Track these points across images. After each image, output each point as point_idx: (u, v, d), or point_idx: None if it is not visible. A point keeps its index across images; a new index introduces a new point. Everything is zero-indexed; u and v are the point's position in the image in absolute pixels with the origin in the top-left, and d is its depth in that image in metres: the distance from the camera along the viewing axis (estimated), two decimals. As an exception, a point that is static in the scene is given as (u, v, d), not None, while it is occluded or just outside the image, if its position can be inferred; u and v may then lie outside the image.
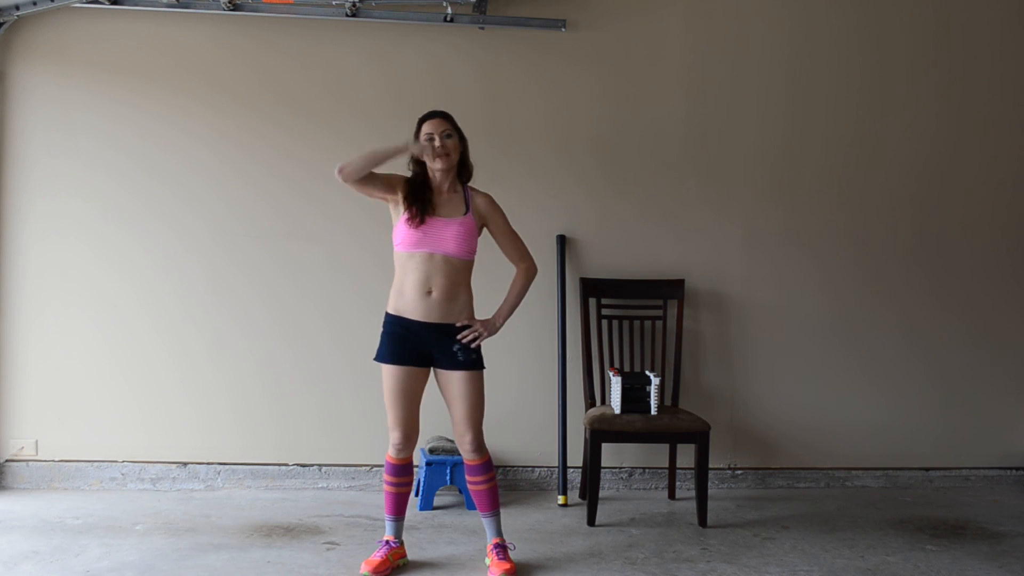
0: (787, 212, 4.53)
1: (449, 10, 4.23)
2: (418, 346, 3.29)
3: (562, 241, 4.39)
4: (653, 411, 4.01)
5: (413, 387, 3.31)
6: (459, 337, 3.29)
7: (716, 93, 4.50)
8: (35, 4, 4.11)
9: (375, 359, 3.33)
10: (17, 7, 4.12)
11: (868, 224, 4.56)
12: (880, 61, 4.56)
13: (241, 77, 4.36)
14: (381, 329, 3.35)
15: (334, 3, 4.20)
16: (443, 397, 3.36)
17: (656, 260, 4.47)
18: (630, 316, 4.39)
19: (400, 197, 3.31)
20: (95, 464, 4.34)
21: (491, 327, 3.35)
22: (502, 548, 3.36)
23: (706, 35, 4.50)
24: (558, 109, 4.44)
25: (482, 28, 4.37)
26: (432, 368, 3.34)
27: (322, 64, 4.38)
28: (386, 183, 3.31)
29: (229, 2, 4.16)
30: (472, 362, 3.30)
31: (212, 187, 4.36)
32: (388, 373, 3.30)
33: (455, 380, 3.29)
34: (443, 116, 3.35)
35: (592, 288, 4.38)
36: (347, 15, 4.25)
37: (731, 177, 4.51)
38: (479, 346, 3.33)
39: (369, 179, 3.26)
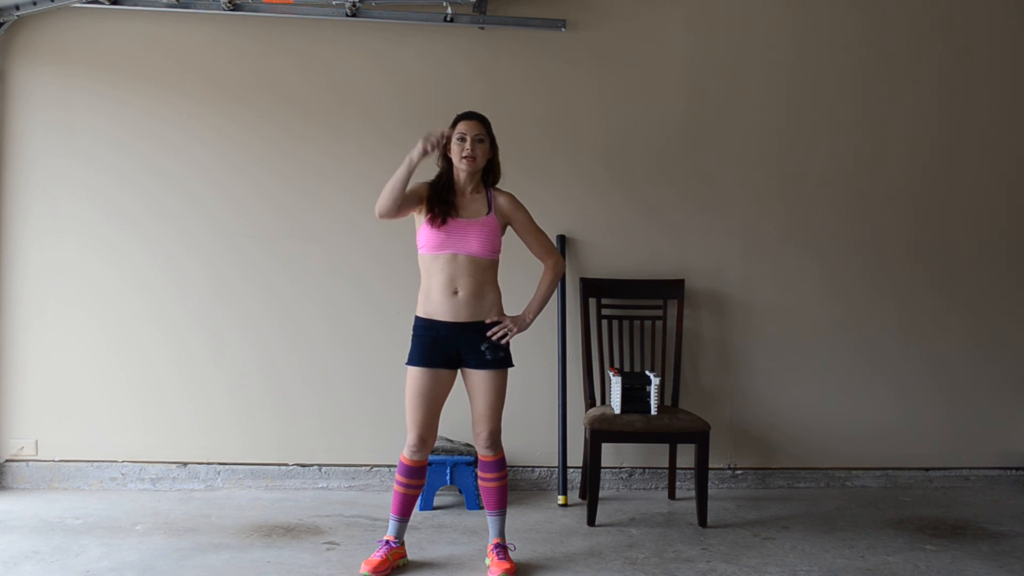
0: (787, 212, 4.53)
1: (449, 10, 4.23)
2: (447, 348, 3.30)
3: (562, 241, 4.39)
4: (653, 411, 4.01)
5: (437, 391, 3.31)
6: (489, 334, 3.30)
7: (717, 93, 4.50)
8: (35, 4, 4.11)
9: (406, 363, 3.33)
10: (17, 7, 4.11)
11: (869, 224, 4.56)
12: (883, 61, 4.56)
13: (241, 77, 4.36)
14: (412, 333, 3.36)
15: (334, 3, 4.20)
16: (467, 392, 3.37)
17: (656, 260, 4.47)
18: (630, 316, 4.39)
19: (424, 201, 3.33)
20: (95, 464, 4.34)
21: (521, 323, 3.36)
22: (502, 548, 3.37)
23: (707, 35, 4.50)
24: (558, 109, 4.44)
25: (482, 28, 4.37)
26: (460, 368, 3.35)
27: (322, 64, 4.38)
28: (417, 196, 3.33)
29: (229, 2, 4.16)
30: (500, 360, 3.32)
31: (212, 187, 4.36)
32: (412, 375, 3.30)
33: (480, 377, 3.31)
34: (480, 120, 3.36)
35: (592, 288, 4.38)
36: (347, 15, 4.25)
37: (731, 177, 4.51)
38: (508, 344, 3.34)
39: (404, 203, 3.26)
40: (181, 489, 4.34)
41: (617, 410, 4.01)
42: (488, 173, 3.40)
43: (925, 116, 4.58)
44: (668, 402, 4.34)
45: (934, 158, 4.60)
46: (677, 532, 3.84)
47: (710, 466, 4.20)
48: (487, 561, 3.38)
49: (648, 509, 4.17)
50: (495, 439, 3.36)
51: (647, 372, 4.10)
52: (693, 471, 4.15)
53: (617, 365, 4.36)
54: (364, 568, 3.26)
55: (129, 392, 4.35)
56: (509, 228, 3.42)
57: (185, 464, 4.36)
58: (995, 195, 4.62)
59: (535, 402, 4.38)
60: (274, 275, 4.38)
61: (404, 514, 3.39)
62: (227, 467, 4.37)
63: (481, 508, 3.80)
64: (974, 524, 4.01)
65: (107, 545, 3.54)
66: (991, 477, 4.65)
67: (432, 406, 3.31)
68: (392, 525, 3.39)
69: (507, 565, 3.29)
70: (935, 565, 3.49)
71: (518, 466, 4.39)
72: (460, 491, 4.16)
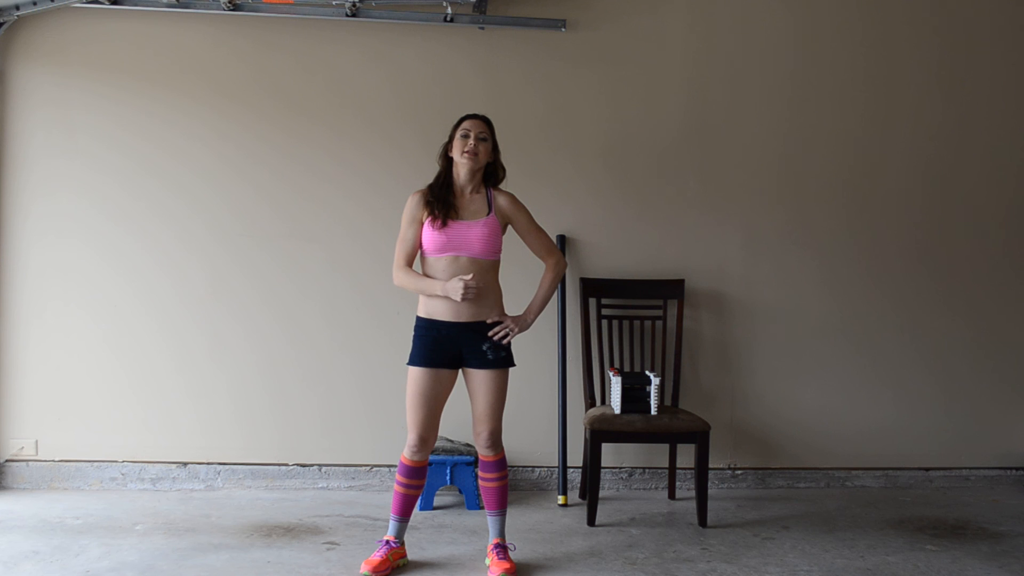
0: (787, 212, 4.53)
1: (449, 10, 4.23)
2: (449, 347, 3.30)
3: (562, 241, 4.39)
4: (653, 411, 4.01)
5: (438, 390, 3.32)
6: (490, 334, 3.30)
7: (717, 93, 4.50)
8: (35, 4, 4.11)
9: (407, 363, 3.33)
10: (17, 7, 4.12)
11: (869, 224, 4.56)
12: (883, 61, 4.56)
13: (241, 77, 4.36)
14: (412, 333, 3.36)
15: (334, 3, 4.20)
16: (467, 392, 3.37)
17: (656, 260, 4.47)
18: (630, 316, 4.39)
19: (424, 210, 3.34)
20: (95, 464, 4.34)
21: (522, 323, 3.37)
22: (502, 548, 3.37)
23: (707, 35, 4.50)
24: (558, 109, 4.44)
25: (482, 28, 4.37)
26: (462, 368, 3.35)
27: (322, 64, 4.38)
28: (419, 227, 3.35)
29: (229, 2, 4.16)
30: (502, 360, 3.32)
31: (212, 187, 4.36)
32: (413, 375, 3.30)
33: (481, 377, 3.31)
34: (484, 120, 3.39)
35: (592, 288, 4.38)
36: (347, 15, 4.25)
37: (731, 177, 4.51)
38: (509, 343, 3.34)
39: (416, 248, 3.37)
40: (181, 489, 4.34)
41: (617, 410, 4.01)
42: (489, 175, 3.41)
43: (925, 116, 4.58)
44: (668, 402, 4.35)
45: (934, 158, 4.59)
46: (677, 532, 3.84)
47: (710, 466, 4.20)
48: (487, 561, 3.38)
49: (648, 509, 4.17)
50: (496, 439, 3.36)
51: (647, 372, 4.10)
52: (693, 471, 4.15)
53: (617, 365, 4.36)
54: (364, 568, 3.27)
55: (129, 392, 4.35)
56: (510, 228, 3.43)
57: (185, 464, 4.36)
58: (995, 195, 4.62)
59: (535, 402, 4.38)
60: (274, 275, 4.38)
61: (404, 514, 3.39)
62: (227, 467, 4.37)
63: (481, 508, 3.80)
64: (974, 524, 4.01)
65: (107, 545, 3.54)
66: (991, 477, 4.65)
67: (433, 406, 3.32)
68: (392, 525, 3.39)
69: (507, 565, 3.29)
70: (935, 565, 3.49)
71: (518, 466, 4.39)
72: (460, 491, 4.16)
